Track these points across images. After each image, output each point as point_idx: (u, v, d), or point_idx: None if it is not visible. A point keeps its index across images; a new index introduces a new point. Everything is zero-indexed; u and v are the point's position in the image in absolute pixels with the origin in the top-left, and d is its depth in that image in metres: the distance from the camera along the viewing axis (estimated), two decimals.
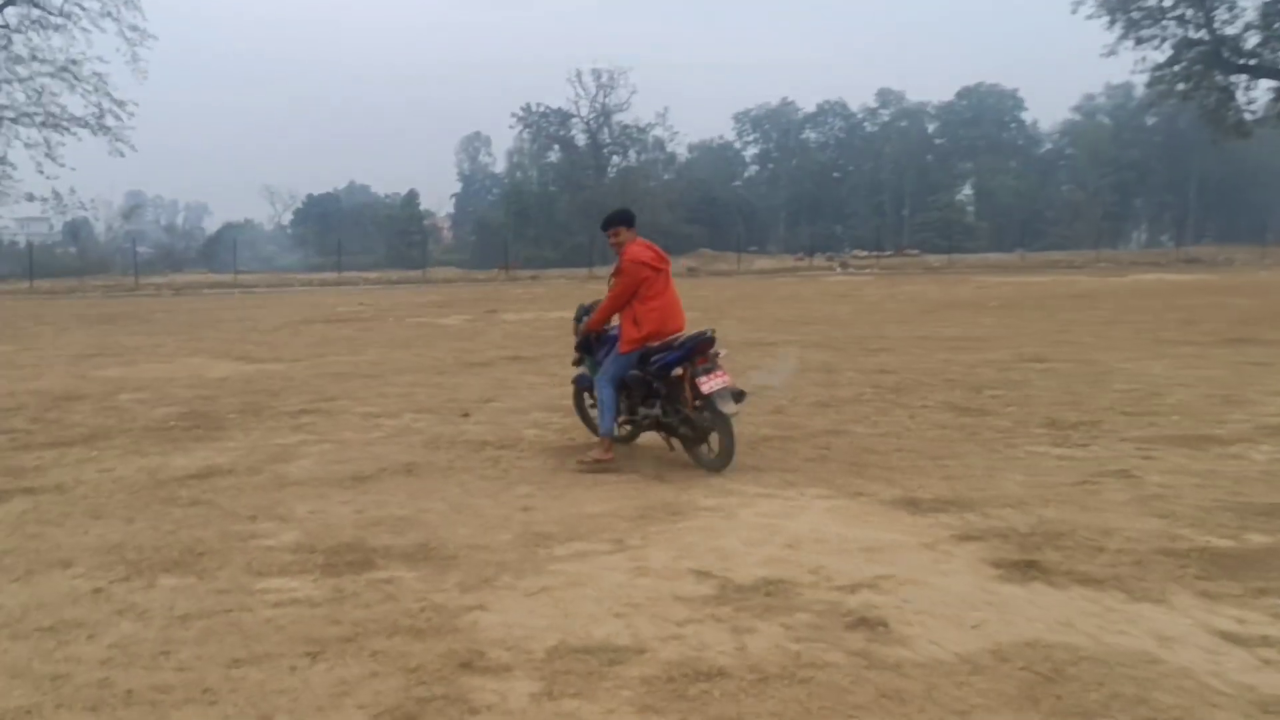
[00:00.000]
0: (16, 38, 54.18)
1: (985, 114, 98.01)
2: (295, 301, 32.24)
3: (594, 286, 41.31)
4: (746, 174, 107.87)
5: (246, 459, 7.60)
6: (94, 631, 4.12)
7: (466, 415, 9.45)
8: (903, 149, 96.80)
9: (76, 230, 73.15)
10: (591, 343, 7.68)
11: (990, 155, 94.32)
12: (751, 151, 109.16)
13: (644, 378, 7.10)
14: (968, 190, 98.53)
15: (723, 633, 4.02)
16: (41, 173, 55.98)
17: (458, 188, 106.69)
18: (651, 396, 7.16)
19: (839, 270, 54.09)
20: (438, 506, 6.09)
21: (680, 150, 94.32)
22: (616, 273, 7.19)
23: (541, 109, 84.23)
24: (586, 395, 8.03)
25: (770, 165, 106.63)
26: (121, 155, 56.66)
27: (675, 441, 7.33)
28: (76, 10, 53.89)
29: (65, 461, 7.64)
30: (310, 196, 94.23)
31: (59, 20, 53.82)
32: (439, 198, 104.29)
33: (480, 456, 7.55)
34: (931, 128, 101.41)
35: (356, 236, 77.41)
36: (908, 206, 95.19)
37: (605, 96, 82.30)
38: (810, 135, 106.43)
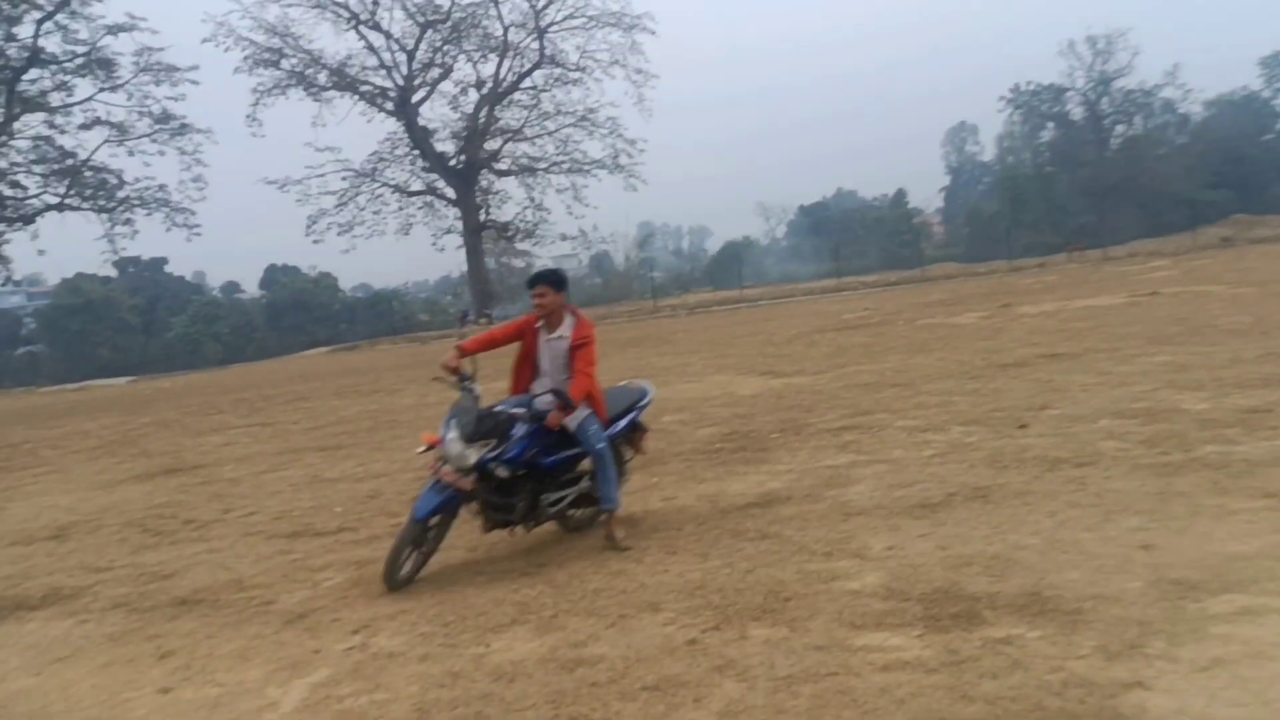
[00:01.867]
0: (544, 96, 61.34)
1: None
2: (800, 311, 32.67)
3: (1110, 269, 37.57)
4: None
5: (801, 484, 7.28)
6: (699, 694, 3.83)
7: (1024, 426, 8.46)
8: None
9: (600, 262, 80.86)
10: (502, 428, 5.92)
11: None
12: None
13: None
14: None
15: None
16: (570, 213, 62.76)
17: (945, 181, 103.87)
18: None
19: None
20: (1031, 542, 5.26)
21: (1195, 109, 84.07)
22: (580, 344, 6.20)
23: (1032, 87, 79.31)
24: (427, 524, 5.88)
25: None
26: (634, 190, 62.04)
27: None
28: (590, 63, 59.88)
29: (630, 490, 7.81)
30: (801, 208, 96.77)
31: (576, 74, 60.14)
32: (927, 194, 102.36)
33: (1059, 477, 6.58)
34: None
35: (848, 241, 77.74)
36: None
37: (1103, 64, 75.60)
38: None
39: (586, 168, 60.95)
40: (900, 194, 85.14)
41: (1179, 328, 14.19)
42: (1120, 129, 78.47)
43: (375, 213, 59.96)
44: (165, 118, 52.33)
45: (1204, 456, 6.65)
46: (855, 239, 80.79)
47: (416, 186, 60.99)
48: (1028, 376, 11.36)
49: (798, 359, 16.49)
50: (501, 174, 61.78)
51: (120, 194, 52.94)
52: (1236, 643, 3.75)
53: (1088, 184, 72.74)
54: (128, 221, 53.45)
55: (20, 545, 8.43)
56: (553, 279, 6.33)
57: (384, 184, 60.12)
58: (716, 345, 21.76)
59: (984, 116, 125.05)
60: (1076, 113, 78.24)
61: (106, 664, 5.09)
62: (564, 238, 64.67)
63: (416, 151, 59.75)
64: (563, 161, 61.30)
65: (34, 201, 51.42)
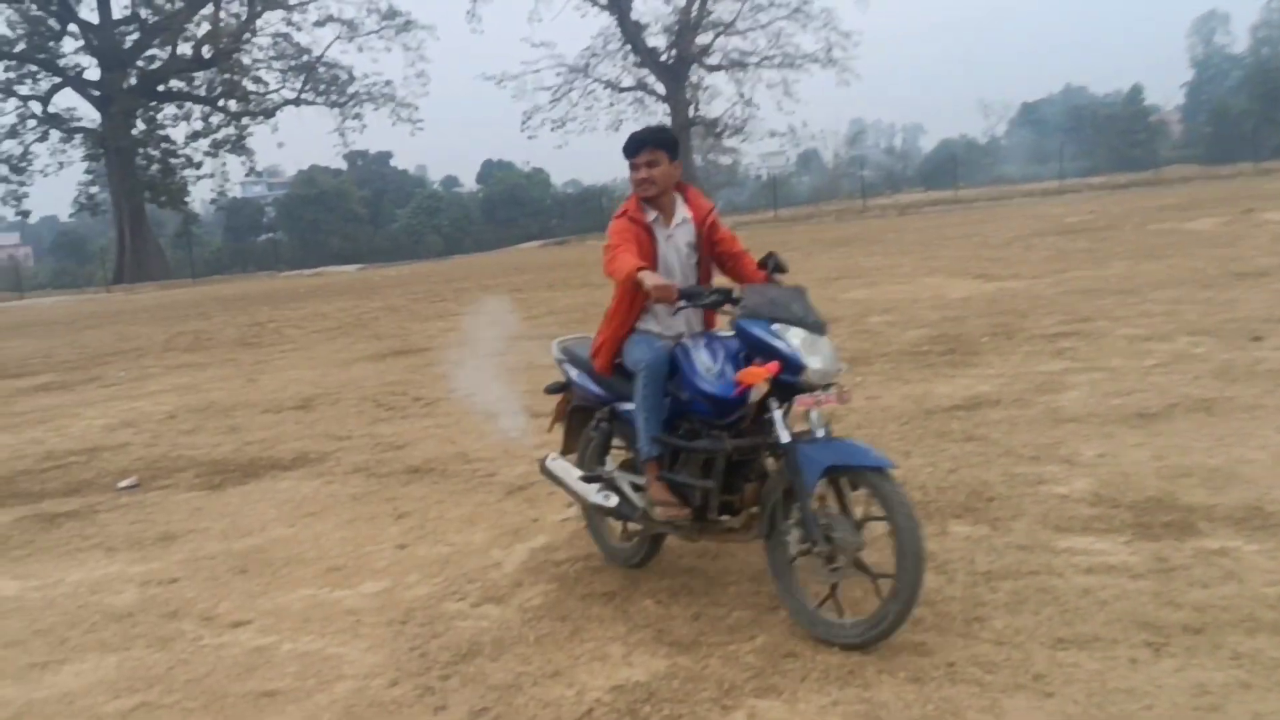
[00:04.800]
0: None
1: None
2: (1018, 214, 31.19)
3: None
4: None
5: (1010, 388, 7.15)
6: None
7: (1258, 339, 7.98)
8: None
9: (808, 160, 79.27)
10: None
11: None
12: None
13: None
14: None
15: None
16: (780, 109, 61.73)
17: (1189, 76, 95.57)
18: None
19: None
20: (1258, 456, 5.05)
21: None
22: (712, 217, 4.25)
23: None
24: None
25: None
26: (848, 85, 60.17)
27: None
28: None
29: None
30: (1024, 105, 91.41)
31: None
32: (1166, 90, 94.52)
33: None
34: None
35: (1074, 141, 73.15)
36: None
37: None
38: None
39: (798, 62, 59.31)
40: (1136, 90, 78.95)
41: None
42: None
43: (587, 109, 60.59)
44: (391, 14, 54.19)
45: None
46: (1082, 138, 75.89)
47: (628, 82, 61.09)
48: (1268, 287, 10.63)
49: (1013, 263, 15.87)
50: (711, 69, 61.02)
51: (350, 89, 55.50)
52: None
53: None
54: (357, 116, 56.11)
55: (271, 413, 9.31)
56: (665, 141, 4.19)
57: (596, 80, 60.56)
58: (928, 247, 21.16)
59: (1237, 4, 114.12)
60: None
61: (350, 520, 5.65)
62: (772, 134, 63.52)
63: (628, 47, 59.71)
64: (774, 56, 59.85)
65: (274, 96, 54.76)
